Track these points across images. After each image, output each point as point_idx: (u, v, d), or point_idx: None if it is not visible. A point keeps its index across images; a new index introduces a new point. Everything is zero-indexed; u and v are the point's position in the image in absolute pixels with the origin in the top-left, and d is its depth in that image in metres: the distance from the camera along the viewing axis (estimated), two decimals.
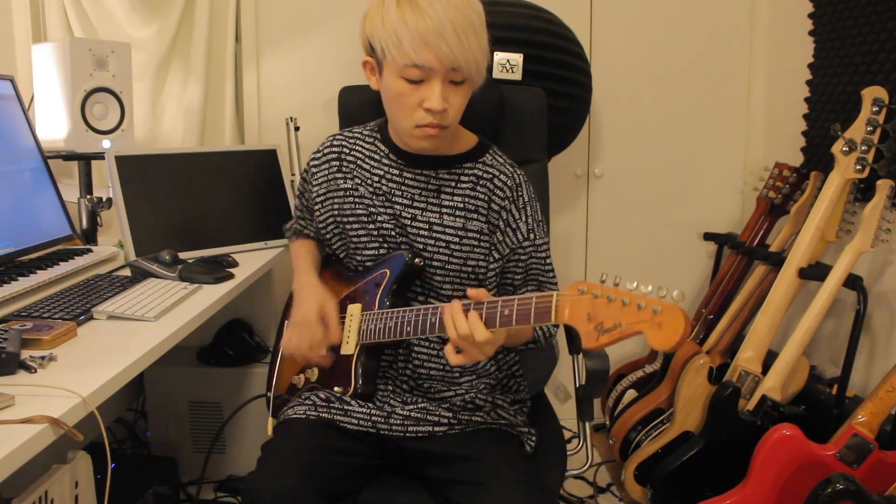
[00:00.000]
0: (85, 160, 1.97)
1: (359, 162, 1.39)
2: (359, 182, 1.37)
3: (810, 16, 2.27)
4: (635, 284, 0.95)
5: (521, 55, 1.90)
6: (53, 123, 1.89)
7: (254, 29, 2.29)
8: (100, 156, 1.94)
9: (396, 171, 1.36)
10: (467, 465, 1.23)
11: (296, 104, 2.30)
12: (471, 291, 1.12)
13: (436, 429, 1.30)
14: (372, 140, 1.41)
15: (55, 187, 1.72)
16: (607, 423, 2.32)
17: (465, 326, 1.09)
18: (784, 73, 2.36)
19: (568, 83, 1.99)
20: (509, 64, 1.89)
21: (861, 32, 2.02)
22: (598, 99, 2.27)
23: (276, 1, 2.29)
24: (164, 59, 2.22)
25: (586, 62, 2.09)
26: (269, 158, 2.03)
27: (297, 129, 2.15)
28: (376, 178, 1.36)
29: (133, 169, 1.77)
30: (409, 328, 1.23)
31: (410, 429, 1.30)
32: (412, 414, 1.29)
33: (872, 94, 1.78)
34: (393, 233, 1.34)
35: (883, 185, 1.77)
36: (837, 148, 1.83)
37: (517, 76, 1.90)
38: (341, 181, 1.39)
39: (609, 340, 0.96)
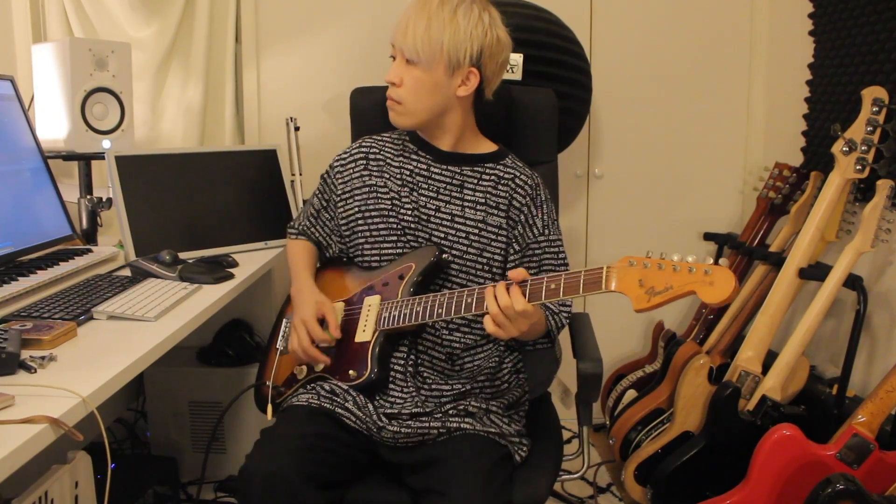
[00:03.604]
0: (85, 160, 1.97)
1: (388, 160, 1.48)
2: (387, 178, 1.45)
3: (810, 16, 2.27)
4: (680, 256, 1.06)
5: (521, 55, 1.89)
6: (53, 123, 1.89)
7: (254, 29, 2.29)
8: (100, 156, 1.94)
9: (424, 166, 1.45)
10: (438, 472, 1.25)
11: (296, 104, 2.30)
12: (511, 273, 1.20)
13: (425, 438, 1.32)
14: (401, 141, 1.50)
15: (55, 187, 1.72)
16: (607, 423, 2.32)
17: (506, 298, 1.17)
18: (784, 73, 2.36)
19: (568, 83, 1.99)
20: (509, 64, 1.89)
21: (861, 32, 2.02)
22: (598, 99, 2.27)
23: (276, 1, 2.29)
24: (164, 59, 2.22)
25: (586, 62, 2.09)
26: (269, 158, 2.03)
27: (297, 129, 2.15)
28: (406, 173, 1.45)
29: (133, 169, 1.77)
30: (440, 310, 1.29)
31: (401, 441, 1.32)
32: (402, 430, 1.31)
33: (872, 94, 1.78)
34: (413, 226, 1.41)
35: (883, 185, 1.77)
36: (837, 148, 1.83)
37: (517, 76, 1.90)
38: (367, 178, 1.47)
39: (661, 301, 1.06)
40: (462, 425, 1.32)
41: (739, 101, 2.45)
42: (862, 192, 1.93)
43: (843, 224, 1.93)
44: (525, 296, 1.17)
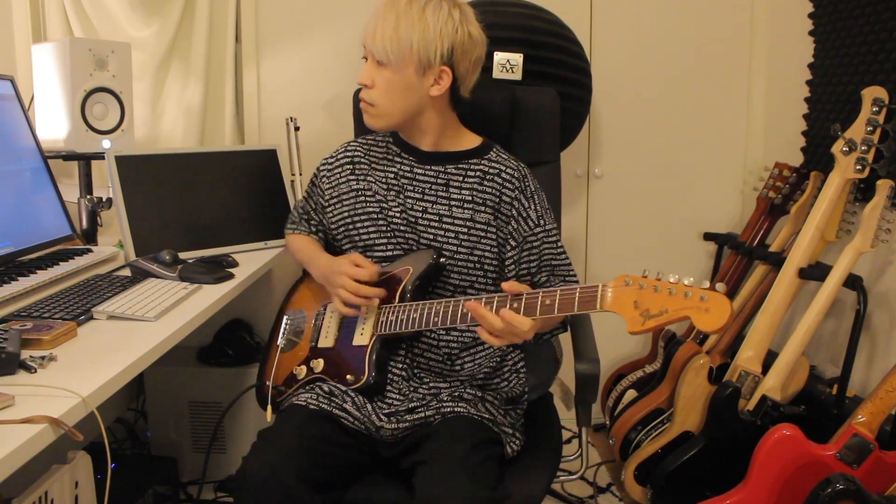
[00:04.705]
0: (85, 160, 1.97)
1: (373, 164, 1.46)
2: (372, 181, 1.44)
3: (810, 16, 2.27)
4: (677, 277, 1.04)
5: (521, 55, 1.89)
6: (53, 123, 1.89)
7: (254, 29, 2.29)
8: (100, 156, 1.94)
9: (408, 167, 1.43)
10: (425, 448, 1.26)
11: (296, 104, 2.30)
12: (505, 285, 1.18)
13: (422, 425, 1.33)
14: (385, 144, 1.48)
15: (55, 187, 1.72)
16: (607, 423, 2.32)
17: (500, 323, 1.16)
18: (784, 73, 2.36)
19: (568, 83, 1.99)
20: (509, 64, 1.89)
21: (861, 32, 2.02)
22: (598, 99, 2.27)
23: (276, 1, 2.29)
24: (164, 59, 2.22)
25: (586, 62, 2.09)
26: (269, 158, 2.03)
27: (297, 129, 2.15)
28: (391, 175, 1.43)
29: (133, 169, 1.77)
30: (436, 318, 1.28)
31: (400, 436, 1.33)
32: (400, 426, 1.32)
33: (872, 94, 1.78)
34: (402, 228, 1.40)
35: (883, 185, 1.77)
36: (837, 148, 1.83)
37: (517, 76, 1.90)
38: (353, 182, 1.46)
39: (655, 325, 1.04)
40: (456, 409, 1.33)
41: (739, 101, 2.45)
42: (862, 192, 1.93)
43: (843, 224, 1.93)
44: (520, 312, 1.16)
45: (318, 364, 1.41)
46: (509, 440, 1.37)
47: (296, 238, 1.58)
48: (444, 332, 1.40)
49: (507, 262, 1.40)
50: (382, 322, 1.35)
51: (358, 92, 1.74)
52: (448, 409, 1.33)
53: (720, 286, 1.02)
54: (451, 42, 1.31)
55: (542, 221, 1.42)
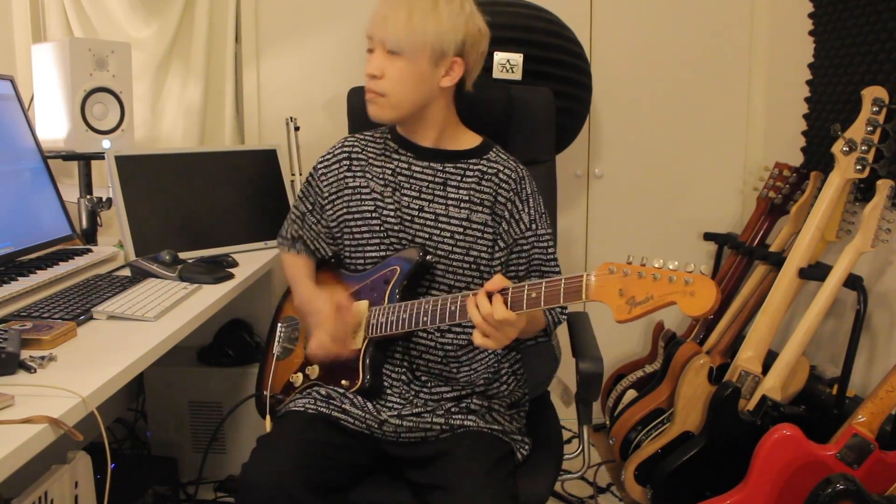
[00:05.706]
0: (85, 160, 1.97)
1: (370, 160, 1.44)
2: (370, 178, 1.42)
3: (810, 16, 2.27)
4: (661, 262, 1.03)
5: (521, 55, 1.90)
6: (53, 123, 1.89)
7: (254, 29, 2.29)
8: (100, 156, 1.94)
9: (405, 165, 1.41)
10: (442, 468, 1.25)
11: (296, 104, 2.31)
12: (488, 284, 1.17)
13: (427, 434, 1.32)
14: (382, 140, 1.46)
15: (55, 187, 1.72)
16: (607, 423, 2.32)
17: (487, 306, 1.15)
18: (784, 73, 2.36)
19: (568, 83, 1.99)
20: (509, 64, 1.89)
21: (861, 32, 2.02)
22: (598, 99, 2.27)
23: (276, 1, 2.29)
24: (164, 59, 2.22)
25: (586, 62, 2.09)
26: (269, 158, 2.03)
27: (297, 129, 2.16)
28: (388, 172, 1.41)
29: (133, 169, 1.77)
30: (425, 318, 1.27)
31: (403, 435, 1.32)
32: (404, 423, 1.31)
33: (872, 94, 1.78)
34: (396, 227, 1.38)
35: (883, 185, 1.77)
36: (837, 148, 1.83)
37: (517, 76, 1.90)
38: (350, 180, 1.44)
39: (642, 312, 1.03)
40: (465, 422, 1.32)
41: (739, 101, 2.45)
42: (862, 191, 1.93)
43: (843, 224, 1.93)
44: (507, 305, 1.15)
45: (314, 371, 1.40)
46: (518, 447, 1.37)
47: (285, 257, 1.55)
48: (439, 335, 1.38)
49: (494, 263, 1.38)
50: (373, 324, 1.34)
51: (351, 91, 1.75)
52: (458, 423, 1.32)
53: (704, 268, 1.00)
54: (463, 34, 1.32)
55: (533, 226, 1.40)
